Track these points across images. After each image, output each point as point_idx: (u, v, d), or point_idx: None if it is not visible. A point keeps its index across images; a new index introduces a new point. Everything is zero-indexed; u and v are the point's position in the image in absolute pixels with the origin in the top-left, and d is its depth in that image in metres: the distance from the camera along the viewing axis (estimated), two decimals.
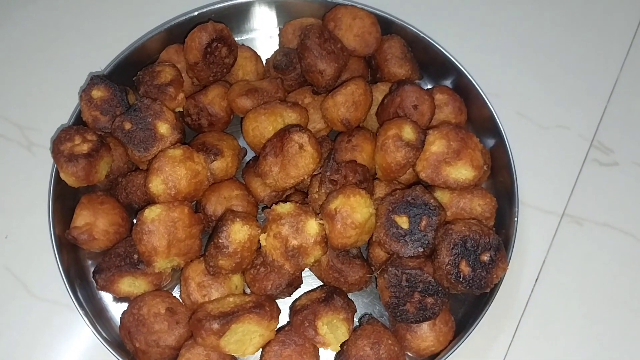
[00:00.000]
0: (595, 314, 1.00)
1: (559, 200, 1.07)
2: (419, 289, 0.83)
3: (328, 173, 0.88)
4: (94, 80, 0.96)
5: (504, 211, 0.96)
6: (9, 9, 1.18)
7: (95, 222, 0.92)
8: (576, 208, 1.06)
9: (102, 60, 1.09)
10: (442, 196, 0.93)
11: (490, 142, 1.04)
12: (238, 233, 0.84)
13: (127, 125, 0.92)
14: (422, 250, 0.82)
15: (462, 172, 0.90)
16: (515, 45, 1.19)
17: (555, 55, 1.18)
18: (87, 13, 1.19)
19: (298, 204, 0.87)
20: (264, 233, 0.86)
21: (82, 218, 0.92)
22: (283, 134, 0.90)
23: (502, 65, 1.17)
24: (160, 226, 0.84)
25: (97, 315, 0.93)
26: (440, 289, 0.83)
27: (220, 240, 0.83)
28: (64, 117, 1.05)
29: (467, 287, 0.81)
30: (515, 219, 0.93)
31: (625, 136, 1.12)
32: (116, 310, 0.96)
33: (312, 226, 0.85)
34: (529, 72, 1.17)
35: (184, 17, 1.07)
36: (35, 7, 1.18)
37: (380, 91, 1.04)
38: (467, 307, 0.95)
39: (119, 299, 0.95)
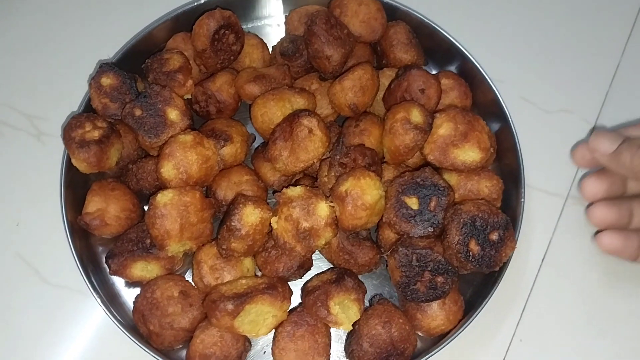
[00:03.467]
0: (600, 292, 1.01)
1: (563, 182, 1.08)
2: (429, 268, 0.84)
3: (338, 157, 0.89)
4: (103, 68, 0.97)
5: (510, 193, 0.97)
6: (15, 0, 1.18)
7: (106, 208, 0.93)
8: None
9: (109, 49, 1.09)
10: (450, 178, 0.94)
11: (496, 126, 1.05)
12: (250, 216, 0.85)
13: (138, 112, 0.93)
14: (432, 230, 0.84)
15: (469, 154, 0.91)
16: (518, 32, 1.20)
17: (558, 41, 1.20)
18: (93, 2, 1.20)
19: (308, 187, 0.88)
20: (275, 216, 0.87)
21: (94, 204, 0.93)
22: (292, 119, 0.91)
23: (506, 51, 1.19)
24: (172, 210, 0.85)
25: (110, 300, 0.94)
26: (450, 268, 0.84)
27: (232, 223, 0.84)
28: (72, 106, 1.06)
29: (477, 266, 0.82)
30: (522, 199, 0.95)
31: (627, 119, 1.13)
32: (129, 295, 0.97)
33: (323, 208, 0.86)
34: (533, 58, 1.18)
35: (190, 5, 1.08)
36: None
37: (386, 76, 1.05)
38: (476, 287, 0.97)
39: (131, 283, 0.97)
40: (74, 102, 1.05)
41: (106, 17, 1.18)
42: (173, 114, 0.94)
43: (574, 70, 1.17)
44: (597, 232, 0.95)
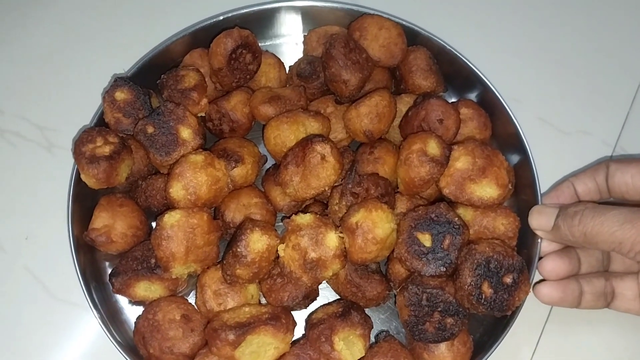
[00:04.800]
0: (615, 327, 0.98)
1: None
2: (440, 309, 0.81)
3: (350, 185, 0.87)
4: (118, 82, 0.96)
5: (526, 231, 0.94)
6: (30, 11, 1.18)
7: (113, 225, 0.92)
8: None
9: (123, 62, 1.09)
10: (465, 214, 0.91)
11: (515, 159, 1.02)
12: (257, 243, 0.83)
13: (150, 129, 0.92)
14: (444, 269, 0.81)
15: (486, 190, 0.88)
16: (536, 51, 1.19)
17: (577, 60, 1.18)
18: (107, 15, 1.20)
19: (318, 216, 0.86)
20: (283, 243, 0.85)
21: (101, 220, 0.92)
22: (305, 144, 0.89)
23: (524, 70, 1.17)
24: (179, 232, 0.84)
25: (111, 317, 0.93)
26: (460, 309, 0.81)
27: (238, 250, 0.82)
28: (85, 118, 1.05)
29: (489, 309, 0.79)
30: (539, 240, 0.91)
31: None
32: (132, 313, 0.96)
33: (332, 239, 0.83)
34: (551, 77, 1.17)
35: (209, 22, 1.06)
36: (56, 9, 1.19)
37: (404, 103, 1.03)
38: (486, 327, 0.94)
39: (134, 302, 0.95)
40: (86, 115, 1.04)
41: (121, 31, 1.18)
42: (185, 133, 0.93)
43: (593, 91, 1.15)
44: (536, 283, 0.92)
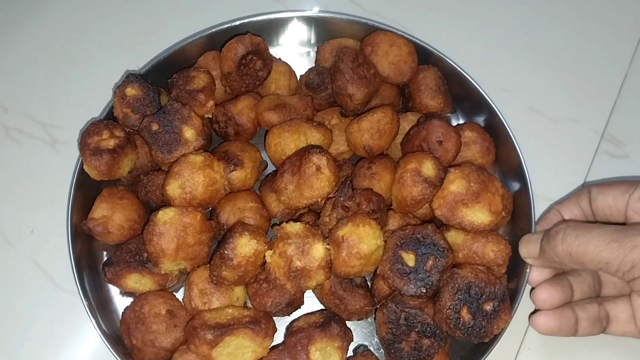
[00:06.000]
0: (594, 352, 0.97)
1: (570, 192, 1.07)
2: (417, 329, 0.81)
3: (342, 198, 0.88)
4: (130, 78, 0.99)
5: (517, 260, 0.93)
6: (34, 9, 1.22)
7: (111, 216, 0.94)
8: None
9: (125, 60, 1.13)
10: (456, 236, 0.91)
11: (515, 186, 1.02)
12: (244, 247, 0.85)
13: (155, 127, 0.94)
14: (424, 291, 0.81)
15: (478, 215, 0.88)
16: (526, 41, 1.22)
17: (566, 51, 1.21)
18: (111, 14, 1.23)
19: (308, 226, 0.87)
20: (271, 250, 0.86)
21: (100, 210, 0.95)
22: (302, 154, 0.90)
23: (514, 60, 1.20)
24: (171, 229, 0.86)
25: (102, 305, 0.95)
26: (438, 332, 0.81)
27: (225, 252, 0.84)
28: (87, 115, 1.09)
29: (466, 335, 0.79)
30: (527, 270, 0.91)
31: (635, 128, 1.14)
32: (122, 303, 0.98)
33: (318, 250, 0.84)
34: (541, 68, 1.19)
35: (225, 26, 1.09)
36: (60, 8, 1.22)
37: (408, 121, 1.03)
38: (467, 352, 0.93)
39: (125, 293, 0.97)
40: (89, 112, 1.08)
41: (123, 31, 1.21)
42: (189, 133, 0.95)
43: (582, 79, 1.18)
44: (531, 314, 0.92)
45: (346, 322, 0.89)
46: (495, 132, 1.04)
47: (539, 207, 0.99)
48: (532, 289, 0.92)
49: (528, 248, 0.89)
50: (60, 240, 0.96)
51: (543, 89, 1.17)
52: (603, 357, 0.97)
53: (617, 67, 1.19)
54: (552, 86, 1.17)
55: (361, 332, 0.95)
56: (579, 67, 1.19)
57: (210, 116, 1.03)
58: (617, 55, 1.20)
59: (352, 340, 0.88)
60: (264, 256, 0.87)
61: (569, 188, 1.09)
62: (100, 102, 1.03)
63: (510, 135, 1.01)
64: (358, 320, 0.92)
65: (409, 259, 0.83)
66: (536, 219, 0.96)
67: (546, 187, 1.07)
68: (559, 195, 1.08)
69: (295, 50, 1.17)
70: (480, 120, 1.08)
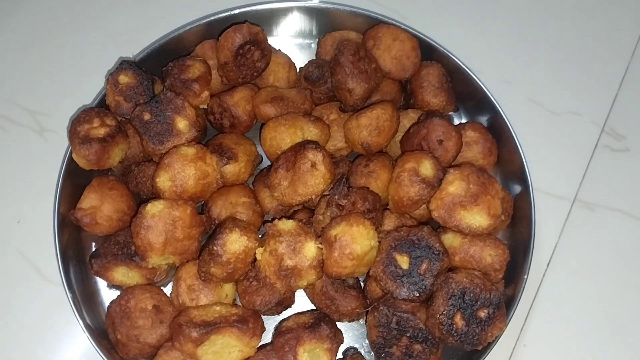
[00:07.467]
0: (606, 299, 0.99)
1: (570, 185, 1.07)
2: (408, 334, 0.79)
3: (336, 197, 0.86)
4: (123, 65, 0.96)
5: (516, 265, 0.91)
6: None
7: (100, 207, 0.92)
8: (587, 193, 1.07)
9: (115, 48, 1.10)
10: (453, 239, 0.89)
11: (516, 189, 0.99)
12: (234, 243, 0.82)
13: (147, 116, 0.92)
14: (417, 294, 0.78)
15: (476, 218, 0.85)
16: (526, 32, 1.19)
17: (567, 42, 1.18)
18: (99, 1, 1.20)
19: (300, 224, 0.84)
20: (262, 247, 0.84)
21: (89, 200, 0.93)
22: (298, 149, 0.88)
23: (514, 51, 1.17)
24: (159, 223, 0.83)
25: (87, 298, 0.93)
26: (430, 337, 0.79)
27: (214, 248, 0.82)
28: (76, 103, 1.06)
29: (458, 341, 0.77)
30: (525, 276, 0.88)
31: (636, 122, 1.12)
32: (108, 296, 0.96)
33: (310, 249, 0.82)
34: (541, 59, 1.17)
35: (224, 14, 1.06)
36: None
37: (409, 118, 1.00)
38: (460, 358, 0.90)
39: (112, 286, 0.95)
40: (78, 99, 1.05)
41: (113, 18, 1.17)
42: (182, 124, 0.92)
43: (583, 71, 1.16)
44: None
45: (337, 323, 0.87)
46: (498, 133, 1.01)
47: (536, 202, 0.97)
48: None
49: None
50: (48, 231, 0.94)
51: (543, 80, 1.15)
52: (601, 354, 0.96)
53: (618, 59, 1.17)
54: (553, 78, 1.15)
55: (352, 334, 0.93)
56: (580, 59, 1.17)
57: (205, 107, 1.01)
58: (619, 46, 1.17)
59: (342, 342, 0.85)
60: (255, 253, 0.85)
61: (568, 181, 1.08)
62: (90, 90, 1.00)
63: (513, 137, 0.98)
64: (349, 321, 0.90)
65: (403, 261, 0.80)
66: (537, 222, 0.94)
67: (544, 180, 1.06)
68: (557, 189, 1.07)
69: (295, 42, 1.14)
70: (484, 120, 1.05)
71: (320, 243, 0.83)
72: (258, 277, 0.86)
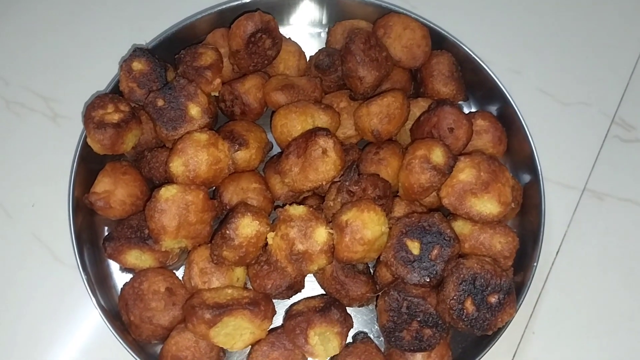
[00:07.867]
0: (614, 288, 1.00)
1: (580, 175, 1.08)
2: (419, 319, 0.80)
3: (347, 183, 0.86)
4: (137, 52, 0.97)
5: (525, 253, 0.91)
6: None
7: (114, 191, 0.93)
8: (597, 183, 1.08)
9: (128, 34, 1.11)
10: (463, 227, 0.89)
11: (526, 178, 0.99)
12: (246, 227, 0.83)
13: (160, 102, 0.93)
14: (428, 280, 0.79)
15: (487, 205, 0.86)
16: (536, 22, 1.19)
17: (577, 32, 1.19)
18: None
19: (312, 209, 0.85)
20: (273, 232, 0.85)
21: (103, 185, 0.94)
22: (309, 136, 0.89)
23: (524, 41, 1.18)
24: (172, 207, 0.84)
25: (101, 280, 0.94)
26: (440, 322, 0.80)
27: (227, 232, 0.83)
28: (89, 89, 1.07)
29: (469, 326, 0.78)
30: (535, 264, 0.89)
31: None
32: (121, 279, 0.97)
33: (321, 234, 0.83)
34: (551, 49, 1.17)
35: (236, 2, 1.06)
36: None
37: (419, 107, 1.01)
38: (469, 344, 0.91)
39: (125, 269, 0.97)
40: (91, 86, 1.06)
41: (127, 3, 1.18)
42: (194, 110, 0.93)
43: (593, 62, 1.16)
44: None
45: (346, 308, 0.88)
46: (508, 122, 1.01)
47: (546, 191, 0.97)
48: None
49: None
50: (62, 215, 0.95)
51: (553, 70, 1.15)
52: (609, 342, 0.97)
53: (629, 50, 1.17)
54: (563, 68, 1.16)
55: (361, 319, 0.94)
56: (591, 49, 1.17)
57: (217, 94, 1.02)
58: (630, 37, 1.17)
59: (352, 326, 0.86)
60: (266, 238, 0.86)
61: (577, 172, 1.08)
62: (103, 76, 1.01)
63: (523, 126, 0.99)
64: (359, 306, 0.91)
65: (414, 247, 0.81)
66: (546, 211, 0.94)
67: (554, 170, 1.06)
68: (567, 179, 1.07)
69: (306, 31, 1.14)
70: (493, 109, 1.06)
71: (331, 228, 0.84)
72: (269, 261, 0.87)
